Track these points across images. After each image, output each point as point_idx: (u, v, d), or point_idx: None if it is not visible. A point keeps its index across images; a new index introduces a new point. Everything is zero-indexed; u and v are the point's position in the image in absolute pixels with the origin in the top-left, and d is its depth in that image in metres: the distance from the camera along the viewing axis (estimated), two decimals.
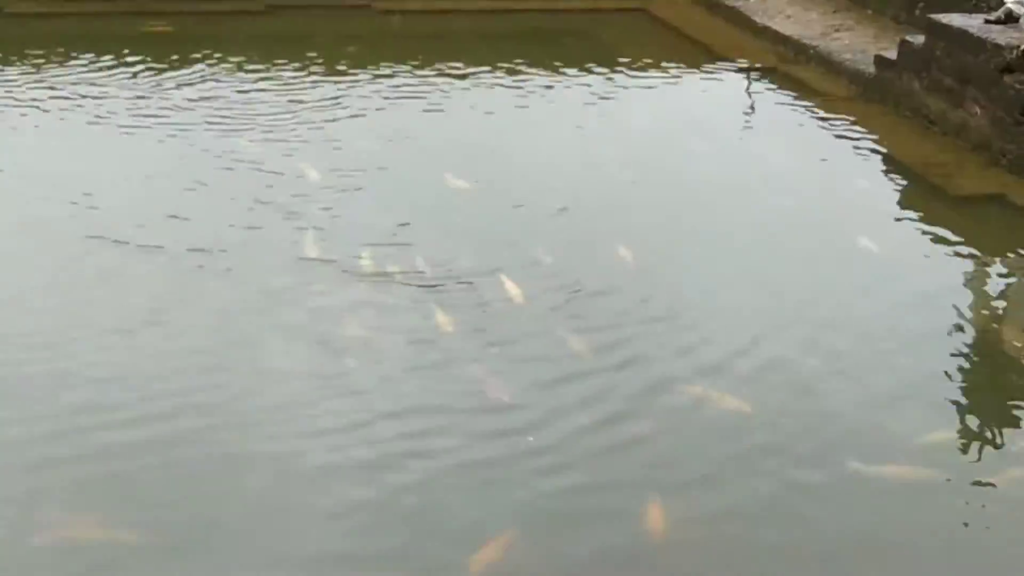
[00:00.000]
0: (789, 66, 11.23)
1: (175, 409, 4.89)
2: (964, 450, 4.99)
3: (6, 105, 9.38)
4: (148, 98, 9.57)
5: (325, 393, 5.10)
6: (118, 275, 6.22)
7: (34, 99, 9.46)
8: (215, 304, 5.96)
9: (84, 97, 9.57)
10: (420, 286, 6.17)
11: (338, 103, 9.65)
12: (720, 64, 11.45)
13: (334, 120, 9.20)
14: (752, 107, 10.39)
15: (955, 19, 9.11)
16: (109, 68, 10.46)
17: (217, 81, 10.19)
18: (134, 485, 4.42)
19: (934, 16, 9.37)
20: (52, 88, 9.78)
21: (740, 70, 11.28)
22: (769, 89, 10.73)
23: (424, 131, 9.15)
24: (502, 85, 10.57)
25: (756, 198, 8.03)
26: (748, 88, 10.83)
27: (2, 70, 10.33)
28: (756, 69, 11.23)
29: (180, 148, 8.37)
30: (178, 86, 9.92)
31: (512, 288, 6.11)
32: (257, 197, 7.32)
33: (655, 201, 7.80)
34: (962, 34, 8.78)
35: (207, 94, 9.71)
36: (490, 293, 6.11)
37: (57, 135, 8.78)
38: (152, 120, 8.99)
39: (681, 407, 5.15)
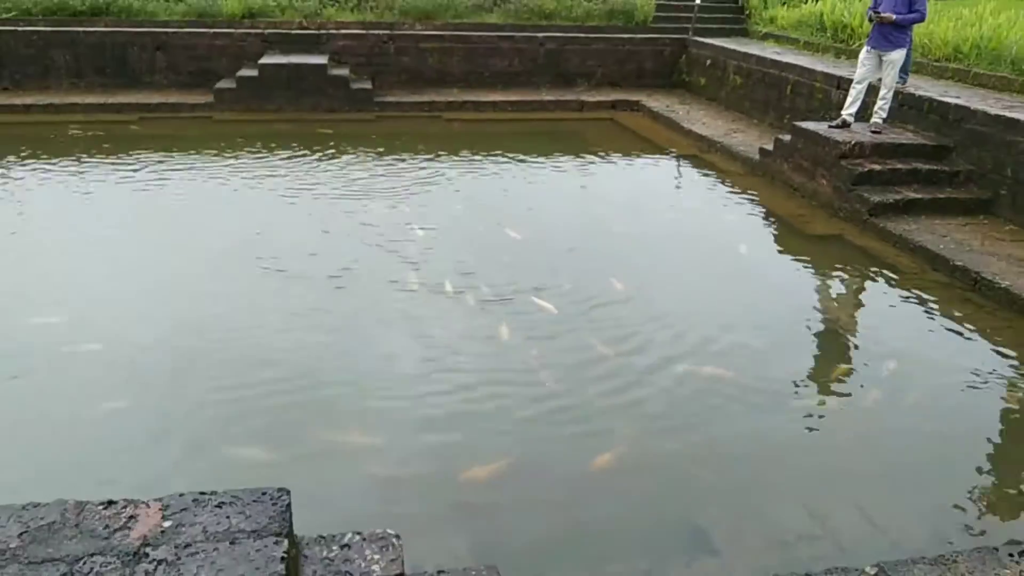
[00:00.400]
0: (704, 154, 11.39)
1: (318, 379, 4.96)
2: (808, 382, 5.36)
3: (209, 178, 9.47)
4: (303, 175, 9.60)
5: (419, 369, 5.09)
6: (282, 291, 6.21)
7: (229, 176, 9.53)
8: (345, 311, 5.94)
9: (263, 176, 9.61)
10: (484, 301, 6.17)
11: (427, 179, 9.62)
12: (661, 153, 11.63)
13: (426, 190, 9.19)
14: (682, 178, 10.65)
15: (810, 125, 9.48)
16: (282, 155, 10.57)
17: (350, 164, 10.27)
18: (291, 418, 4.57)
19: (797, 123, 9.72)
20: (240, 170, 9.87)
21: (674, 156, 11.43)
22: (692, 167, 10.84)
23: (480, 195, 9.25)
24: (526, 165, 10.64)
25: (687, 237, 8.21)
26: (679, 167, 11.02)
27: (211, 158, 10.41)
28: (684, 155, 11.37)
29: (323, 209, 8.34)
30: (324, 168, 9.97)
31: (545, 304, 6.08)
32: (374, 242, 7.28)
33: (625, 238, 7.87)
34: (814, 134, 9.15)
35: (340, 174, 9.70)
36: (530, 307, 6.06)
37: (244, 200, 8.78)
38: (306, 191, 8.98)
39: (672, 377, 5.12)
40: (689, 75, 15.28)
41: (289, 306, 5.94)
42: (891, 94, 9.14)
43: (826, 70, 11.36)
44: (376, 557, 2.66)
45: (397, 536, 2.76)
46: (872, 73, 9.08)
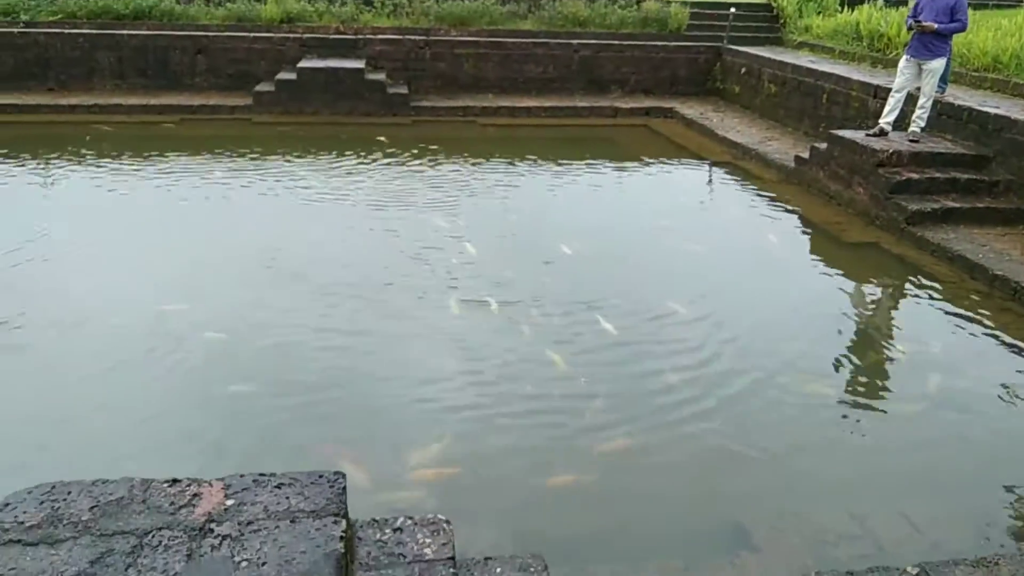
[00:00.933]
0: (739, 161, 11.38)
1: (356, 373, 5.14)
2: (848, 387, 5.38)
3: (240, 179, 9.62)
4: (346, 181, 9.67)
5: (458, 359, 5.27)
6: (325, 293, 6.22)
7: (261, 177, 9.66)
8: (389, 313, 5.96)
9: (288, 179, 9.71)
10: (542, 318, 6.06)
11: (469, 186, 9.64)
12: (696, 160, 11.62)
13: (469, 198, 9.18)
14: (716, 185, 10.59)
15: (847, 133, 9.44)
16: (324, 158, 10.70)
17: (390, 169, 10.33)
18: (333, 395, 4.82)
19: (833, 131, 9.67)
20: (265, 172, 9.97)
21: (709, 163, 11.41)
22: (728, 175, 10.83)
23: (523, 203, 9.16)
24: (565, 171, 10.67)
25: (720, 239, 8.27)
26: (715, 174, 10.98)
27: (250, 157, 10.60)
28: (718, 163, 11.37)
29: (365, 217, 8.25)
30: (365, 173, 10.01)
31: (606, 324, 5.85)
32: (415, 253, 7.15)
33: (672, 250, 7.85)
34: (852, 142, 9.11)
35: (383, 180, 9.66)
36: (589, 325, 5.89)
37: (275, 203, 8.77)
38: (338, 193, 9.08)
39: (717, 380, 5.19)
40: (723, 83, 15.28)
41: (330, 311, 5.92)
42: (930, 103, 9.10)
43: (863, 79, 11.32)
44: (428, 540, 2.73)
45: (447, 521, 2.83)
46: (911, 82, 9.04)
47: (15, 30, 13.50)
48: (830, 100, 11.80)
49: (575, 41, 15.18)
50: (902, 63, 9.05)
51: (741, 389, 5.10)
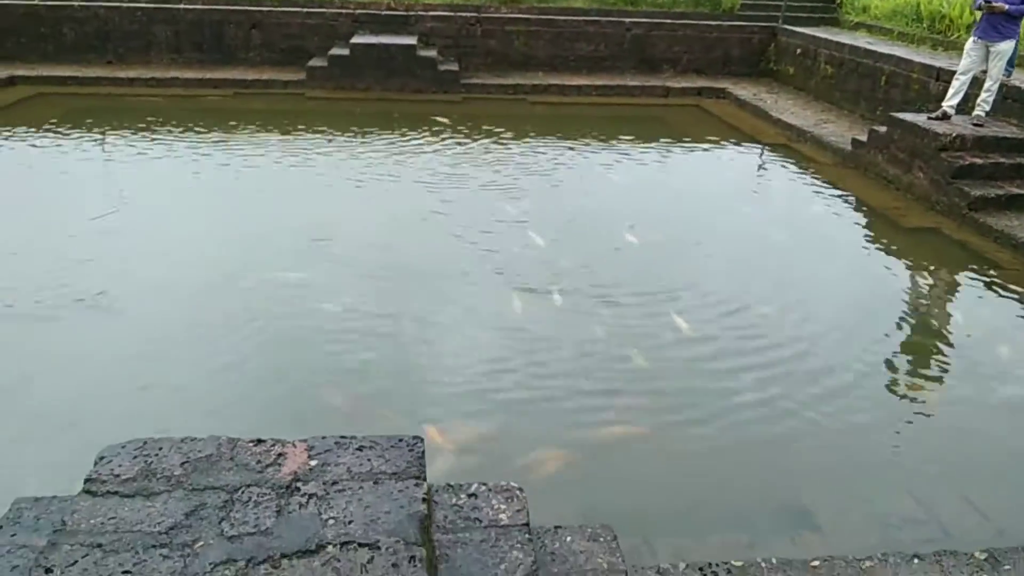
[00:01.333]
0: (793, 143, 11.23)
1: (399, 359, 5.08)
2: (912, 375, 5.32)
3: (296, 155, 9.73)
4: (405, 159, 9.64)
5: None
6: (377, 277, 6.19)
7: (318, 153, 9.74)
8: (456, 301, 5.79)
9: (345, 154, 9.84)
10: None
11: (527, 166, 9.45)
12: (751, 141, 11.49)
13: (529, 179, 9.04)
14: (772, 167, 10.42)
15: (908, 116, 9.26)
16: (383, 135, 10.80)
17: (448, 148, 10.35)
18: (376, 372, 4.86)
19: (893, 114, 9.49)
20: (324, 146, 10.13)
21: (763, 144, 11.29)
22: (782, 157, 10.70)
23: (581, 186, 9.05)
24: (620, 152, 10.56)
25: (778, 223, 8.21)
26: (770, 156, 10.84)
27: (302, 133, 10.72)
28: (773, 144, 11.25)
29: (418, 194, 8.23)
30: (423, 150, 9.97)
31: (681, 322, 5.64)
32: (475, 234, 7.04)
33: (736, 236, 7.66)
34: (913, 125, 8.94)
35: (442, 158, 9.63)
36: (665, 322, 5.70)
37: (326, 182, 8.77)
38: (393, 171, 9.08)
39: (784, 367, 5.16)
40: (777, 64, 15.04)
41: (387, 295, 5.86)
42: (997, 86, 8.88)
43: (924, 61, 11.08)
44: (502, 507, 2.78)
45: (520, 488, 2.88)
46: (977, 64, 8.82)
47: (74, 3, 13.74)
48: (889, 82, 11.56)
49: (627, 19, 15.04)
50: (969, 44, 8.83)
51: (813, 372, 5.09)
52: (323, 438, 2.79)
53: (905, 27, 14.47)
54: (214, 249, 6.66)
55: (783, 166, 10.40)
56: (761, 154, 11.00)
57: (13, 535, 2.55)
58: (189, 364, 4.86)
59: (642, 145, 10.99)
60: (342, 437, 2.80)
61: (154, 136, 10.21)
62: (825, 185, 9.37)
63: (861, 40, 13.48)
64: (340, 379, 4.77)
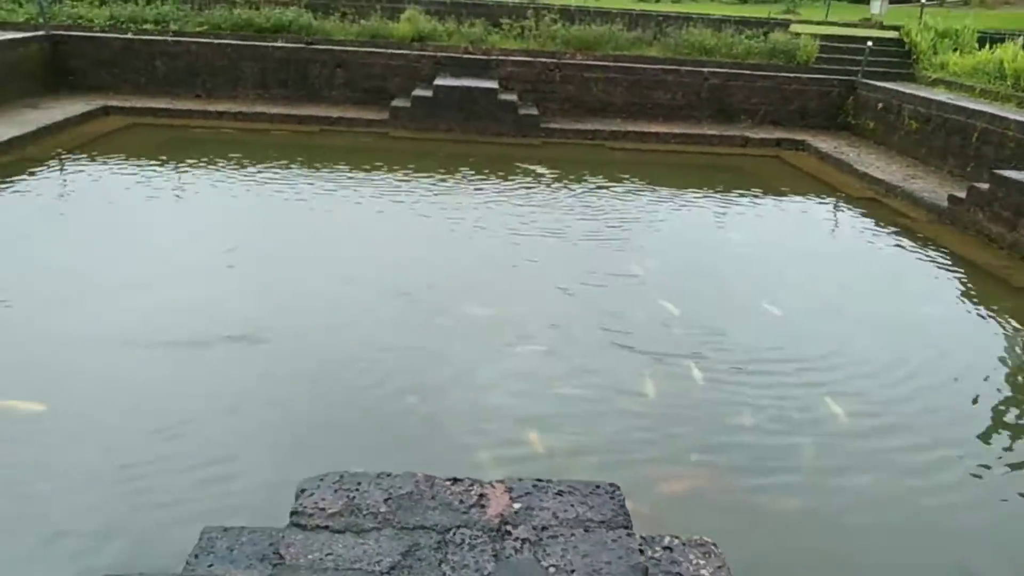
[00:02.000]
0: (883, 198, 11.03)
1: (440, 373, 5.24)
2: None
3: (371, 190, 9.85)
4: (498, 203, 9.74)
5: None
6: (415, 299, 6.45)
7: (391, 189, 9.91)
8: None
9: (432, 195, 10.04)
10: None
11: (624, 216, 9.51)
12: (838, 195, 11.30)
13: (627, 230, 8.98)
14: (870, 225, 10.07)
15: (1013, 173, 9.07)
16: (472, 177, 10.89)
17: (540, 195, 10.41)
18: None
19: (997, 171, 9.28)
20: (411, 187, 10.27)
21: (850, 198, 11.07)
22: (871, 213, 10.47)
23: (689, 242, 8.97)
24: (714, 202, 10.52)
25: (868, 278, 8.04)
26: (863, 212, 10.53)
27: (382, 171, 10.83)
28: (860, 198, 11.05)
29: (518, 247, 8.08)
30: (515, 195, 10.04)
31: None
32: (589, 293, 7.00)
33: (806, 276, 7.81)
34: (1019, 183, 8.74)
35: (536, 206, 9.60)
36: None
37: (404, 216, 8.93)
38: (479, 213, 9.14)
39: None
40: (856, 118, 14.90)
41: (428, 318, 6.09)
42: None
43: (1019, 118, 10.86)
44: (701, 562, 2.66)
45: (715, 543, 2.76)
46: None
47: (168, 38, 14.18)
48: (981, 139, 11.35)
49: (705, 69, 15.06)
50: None
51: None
52: (519, 480, 2.72)
53: (988, 84, 14.30)
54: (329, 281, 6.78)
55: (873, 221, 10.10)
56: (855, 209, 10.65)
57: (210, 565, 2.49)
58: None
59: (737, 197, 10.81)
60: (539, 480, 2.72)
61: (260, 168, 10.40)
62: (926, 243, 9.07)
63: (942, 96, 13.30)
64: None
